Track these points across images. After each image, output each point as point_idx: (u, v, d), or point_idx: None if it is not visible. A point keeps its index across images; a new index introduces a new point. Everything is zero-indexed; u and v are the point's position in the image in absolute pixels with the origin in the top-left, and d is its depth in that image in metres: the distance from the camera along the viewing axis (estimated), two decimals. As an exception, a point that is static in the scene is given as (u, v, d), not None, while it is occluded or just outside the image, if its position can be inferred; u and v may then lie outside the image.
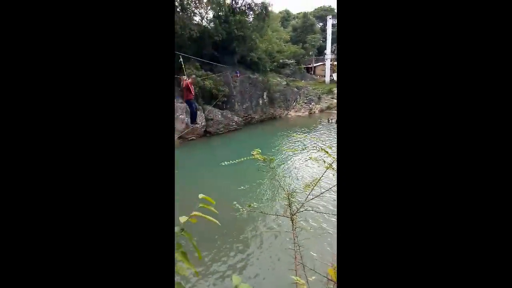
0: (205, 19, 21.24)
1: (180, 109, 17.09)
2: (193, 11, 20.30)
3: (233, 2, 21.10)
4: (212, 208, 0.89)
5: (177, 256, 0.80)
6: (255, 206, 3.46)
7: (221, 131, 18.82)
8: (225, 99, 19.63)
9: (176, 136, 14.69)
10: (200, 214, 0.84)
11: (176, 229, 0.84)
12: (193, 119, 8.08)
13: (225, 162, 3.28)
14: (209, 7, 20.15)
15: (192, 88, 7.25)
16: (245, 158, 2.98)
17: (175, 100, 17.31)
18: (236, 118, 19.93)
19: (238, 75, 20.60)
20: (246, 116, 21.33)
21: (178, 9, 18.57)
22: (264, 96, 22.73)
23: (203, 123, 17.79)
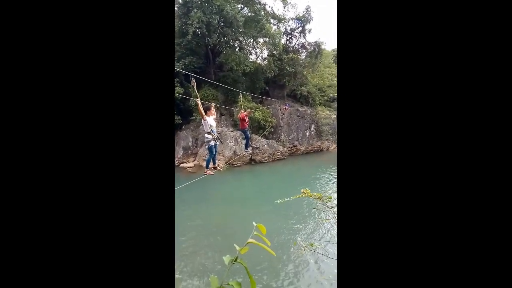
0: (260, 57, 23.37)
1: (230, 137, 18.29)
2: (249, 51, 22.66)
3: (288, 42, 22.81)
4: (265, 238, 0.87)
5: (234, 284, 0.76)
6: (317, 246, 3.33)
7: (266, 160, 19.17)
8: (272, 129, 20.29)
9: (223, 162, 15.58)
10: (256, 242, 0.83)
11: (229, 257, 0.82)
12: (247, 144, 8.87)
13: (279, 200, 3.29)
14: (264, 47, 22.22)
15: (247, 119, 8.05)
16: (299, 196, 2.98)
17: (226, 128, 18.68)
18: (281, 148, 20.15)
19: (287, 107, 21.29)
20: (292, 147, 21.38)
21: (237, 49, 21.01)
22: (312, 128, 22.65)
23: (249, 151, 18.52)
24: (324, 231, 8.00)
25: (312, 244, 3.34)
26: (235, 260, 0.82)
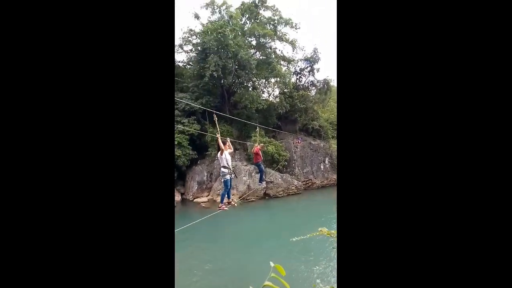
0: (272, 95, 24.61)
1: (244, 171, 18.37)
2: (262, 90, 24.03)
3: (297, 80, 24.08)
4: (284, 281, 0.82)
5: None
6: None
7: (280, 194, 18.74)
8: (286, 163, 20.25)
9: (237, 197, 15.42)
10: (273, 286, 0.79)
11: None
12: (261, 178, 8.86)
13: (295, 238, 3.15)
14: (276, 86, 23.54)
15: (260, 153, 8.25)
16: (316, 234, 2.85)
17: (240, 163, 18.89)
18: (296, 182, 19.77)
19: (300, 141, 21.49)
20: (307, 180, 20.93)
21: (250, 89, 22.36)
22: (326, 162, 22.34)
23: (263, 185, 18.31)
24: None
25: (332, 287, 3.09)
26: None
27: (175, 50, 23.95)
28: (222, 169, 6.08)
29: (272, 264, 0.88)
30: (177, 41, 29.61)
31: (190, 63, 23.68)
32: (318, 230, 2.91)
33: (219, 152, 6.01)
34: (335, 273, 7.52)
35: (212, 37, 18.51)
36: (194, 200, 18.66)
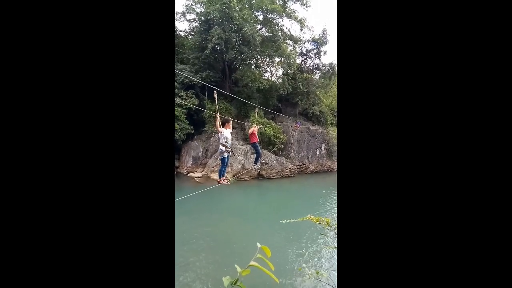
0: (274, 75, 23.90)
1: (240, 150, 18.34)
2: (265, 69, 23.26)
3: (302, 62, 23.28)
4: (269, 262, 0.82)
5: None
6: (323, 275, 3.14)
7: (274, 176, 18.94)
8: (282, 146, 20.23)
9: (231, 175, 15.53)
10: (259, 266, 0.79)
11: (229, 278, 0.79)
12: (257, 159, 8.85)
13: (285, 220, 3.24)
14: (279, 66, 22.77)
15: (256, 134, 8.19)
16: (306, 219, 2.86)
17: (237, 142, 18.80)
18: (290, 166, 19.92)
19: (299, 125, 21.30)
20: (301, 165, 21.10)
21: (253, 67, 21.62)
22: (322, 148, 22.38)
23: (258, 166, 18.43)
24: (333, 259, 7.54)
25: (318, 272, 3.16)
26: (235, 283, 0.79)
27: (178, 18, 22.69)
28: (221, 147, 6.11)
29: (258, 245, 0.87)
30: (180, 8, 27.94)
31: (192, 33, 22.56)
32: (308, 216, 2.94)
33: (217, 131, 5.96)
34: (323, 258, 7.77)
35: (216, 7, 17.43)
36: (188, 175, 18.78)
